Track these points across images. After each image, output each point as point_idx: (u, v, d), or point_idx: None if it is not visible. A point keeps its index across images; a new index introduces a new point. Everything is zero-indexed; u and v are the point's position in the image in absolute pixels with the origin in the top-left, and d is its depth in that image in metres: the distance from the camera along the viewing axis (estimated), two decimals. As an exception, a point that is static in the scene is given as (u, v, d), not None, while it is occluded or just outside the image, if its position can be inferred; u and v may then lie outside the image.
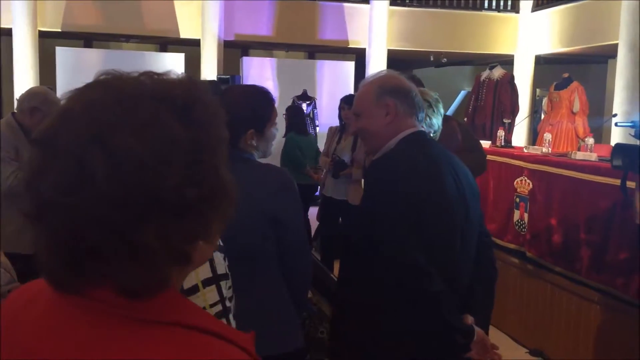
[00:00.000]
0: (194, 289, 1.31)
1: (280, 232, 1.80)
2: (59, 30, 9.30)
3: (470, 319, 1.83)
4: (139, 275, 0.66)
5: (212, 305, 1.33)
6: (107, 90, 0.67)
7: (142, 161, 0.63)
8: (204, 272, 1.33)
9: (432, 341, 1.77)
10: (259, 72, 10.21)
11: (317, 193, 5.87)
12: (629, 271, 3.34)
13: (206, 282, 1.33)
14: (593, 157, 3.95)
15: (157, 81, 0.70)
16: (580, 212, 3.74)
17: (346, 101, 4.93)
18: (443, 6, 10.63)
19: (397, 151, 1.84)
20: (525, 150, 4.60)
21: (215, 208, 0.69)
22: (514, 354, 3.98)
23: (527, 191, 4.23)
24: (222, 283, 1.40)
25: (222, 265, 1.36)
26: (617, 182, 3.45)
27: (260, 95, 1.98)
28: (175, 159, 0.65)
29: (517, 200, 4.32)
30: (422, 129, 1.93)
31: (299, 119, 6.19)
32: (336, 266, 5.14)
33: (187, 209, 0.66)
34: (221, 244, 1.37)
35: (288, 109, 6.62)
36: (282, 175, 1.86)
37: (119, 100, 0.66)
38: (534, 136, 9.62)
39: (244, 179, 1.77)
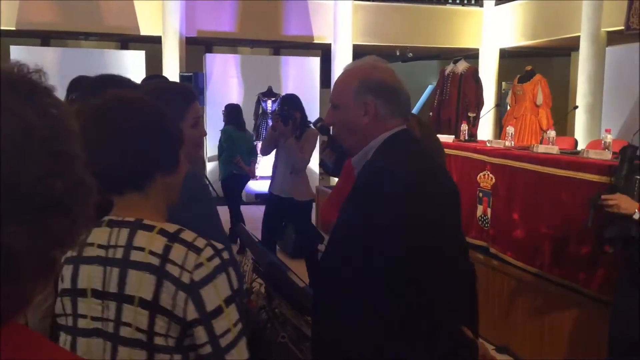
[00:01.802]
0: (219, 310, 1.18)
1: None
2: (14, 28, 8.98)
3: (469, 332, 1.70)
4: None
5: (235, 325, 1.21)
6: None
7: None
8: (224, 289, 1.20)
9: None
10: (223, 69, 10.03)
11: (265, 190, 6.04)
12: (590, 265, 3.30)
13: (228, 301, 1.20)
14: (554, 150, 3.92)
15: None
16: (542, 206, 3.70)
17: (283, 102, 4.91)
18: (408, 0, 10.60)
19: (400, 153, 1.65)
20: (488, 144, 4.55)
21: (81, 205, 0.62)
22: (480, 351, 3.93)
23: (489, 186, 4.19)
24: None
25: (234, 279, 1.24)
26: (578, 174, 3.43)
27: (175, 89, 1.82)
28: (36, 148, 0.58)
29: (480, 195, 4.26)
30: (405, 127, 1.74)
31: (237, 115, 6.90)
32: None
33: (54, 204, 0.59)
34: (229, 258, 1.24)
35: (226, 107, 7.14)
36: (189, 183, 1.73)
37: None
38: (500, 130, 9.66)
39: None
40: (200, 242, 1.20)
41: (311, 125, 4.88)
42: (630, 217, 2.60)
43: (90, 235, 1.25)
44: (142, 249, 1.19)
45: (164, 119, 1.29)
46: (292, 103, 4.88)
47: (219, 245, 1.23)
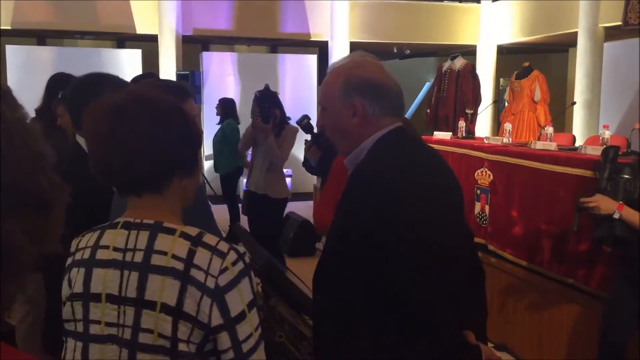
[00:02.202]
0: (242, 315, 1.16)
1: None
2: (9, 27, 8.93)
3: (472, 336, 1.64)
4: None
5: (256, 329, 1.19)
6: None
7: None
8: (247, 294, 1.18)
9: None
10: (220, 67, 10.00)
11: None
12: (589, 262, 3.28)
13: (250, 305, 1.18)
14: (552, 146, 3.89)
15: None
16: (540, 203, 3.68)
17: (263, 100, 4.85)
18: (404, -3, 10.56)
19: (393, 153, 1.58)
20: (486, 141, 4.53)
21: (59, 205, 0.63)
22: (479, 348, 3.91)
23: (487, 183, 4.16)
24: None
25: (254, 283, 1.22)
26: (577, 171, 3.40)
27: (168, 87, 1.76)
28: (22, 146, 0.59)
29: (478, 192, 4.24)
30: (400, 125, 1.66)
31: (234, 109, 7.17)
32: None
33: (40, 201, 0.60)
34: (248, 260, 1.22)
35: (222, 101, 7.26)
36: None
37: None
38: (498, 126, 9.63)
39: None
40: (224, 246, 1.18)
41: (290, 122, 4.89)
42: (611, 217, 2.62)
43: (104, 237, 1.22)
44: (164, 253, 1.16)
45: (185, 119, 1.26)
46: (271, 100, 4.87)
47: (241, 249, 1.21)
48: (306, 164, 4.26)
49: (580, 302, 3.37)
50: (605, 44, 8.35)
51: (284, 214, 6.33)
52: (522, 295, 3.84)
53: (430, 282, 1.51)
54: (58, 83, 2.92)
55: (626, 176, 2.71)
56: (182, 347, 1.15)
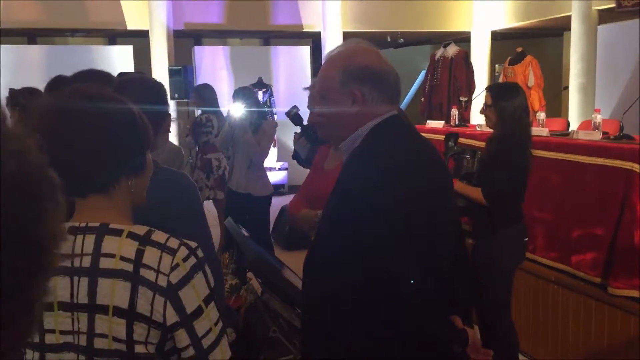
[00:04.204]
0: (199, 311, 1.15)
1: None
2: (-1, 27, 8.88)
3: (459, 321, 1.65)
4: None
5: (215, 324, 1.18)
6: None
7: None
8: (203, 288, 1.16)
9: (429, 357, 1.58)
10: (212, 61, 9.94)
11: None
12: (582, 248, 3.25)
13: (207, 300, 1.17)
14: (544, 132, 3.85)
15: None
16: (532, 189, 3.64)
17: (238, 96, 4.76)
18: (397, -15, 10.47)
19: (389, 142, 1.59)
20: (478, 129, 4.49)
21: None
22: (475, 338, 3.88)
23: (480, 171, 4.13)
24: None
25: (210, 277, 1.20)
26: (569, 156, 3.37)
27: (154, 89, 1.75)
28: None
29: (471, 180, 4.20)
30: (395, 113, 1.66)
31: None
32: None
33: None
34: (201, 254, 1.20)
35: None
36: (170, 181, 1.65)
37: None
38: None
39: None
40: (174, 243, 1.16)
41: (268, 117, 4.86)
42: None
43: None
44: (112, 255, 1.14)
45: (133, 117, 1.22)
46: (247, 97, 4.80)
47: (192, 244, 1.19)
48: (296, 156, 4.21)
49: (575, 288, 3.35)
50: (599, 27, 8.28)
51: (279, 208, 6.31)
52: (518, 283, 3.81)
53: (419, 268, 1.52)
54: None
55: (467, 156, 3.07)
56: (139, 349, 1.14)
